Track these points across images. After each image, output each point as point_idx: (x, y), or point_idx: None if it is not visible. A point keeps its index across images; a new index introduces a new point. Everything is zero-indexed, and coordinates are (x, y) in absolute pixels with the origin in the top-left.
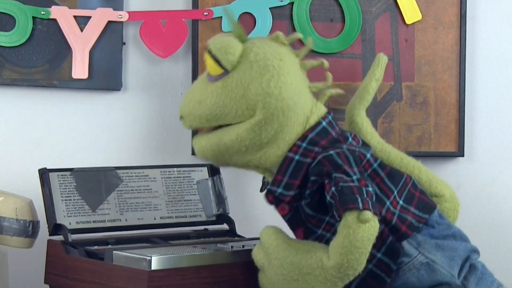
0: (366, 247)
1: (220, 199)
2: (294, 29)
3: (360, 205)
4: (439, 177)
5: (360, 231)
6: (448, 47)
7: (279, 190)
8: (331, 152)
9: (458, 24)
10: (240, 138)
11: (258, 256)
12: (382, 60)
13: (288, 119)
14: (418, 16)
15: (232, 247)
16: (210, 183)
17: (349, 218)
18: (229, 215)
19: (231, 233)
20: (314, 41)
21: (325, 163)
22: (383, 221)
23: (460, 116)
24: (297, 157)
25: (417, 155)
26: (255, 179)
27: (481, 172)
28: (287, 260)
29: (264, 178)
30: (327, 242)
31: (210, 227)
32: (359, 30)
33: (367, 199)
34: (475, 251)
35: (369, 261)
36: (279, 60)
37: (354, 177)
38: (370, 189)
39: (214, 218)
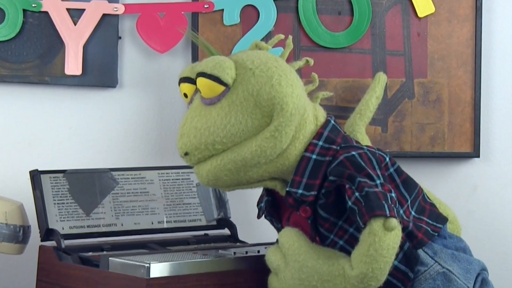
0: (391, 256)
1: (221, 203)
2: (300, 23)
3: (387, 212)
4: (443, 201)
5: (386, 239)
6: (463, 41)
7: (300, 191)
8: (353, 152)
9: (474, 17)
10: (261, 149)
11: (274, 257)
12: (381, 78)
13: (302, 117)
14: (431, 9)
15: (234, 253)
16: None
17: (375, 225)
18: (231, 219)
19: (233, 238)
20: (321, 35)
21: (347, 164)
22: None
23: (476, 114)
24: (314, 156)
25: (430, 156)
26: None
27: (498, 173)
28: (308, 264)
29: (259, 204)
30: (340, 250)
31: (211, 232)
32: (368, 24)
33: (392, 205)
34: (485, 269)
35: None
36: (276, 61)
37: (378, 182)
38: (393, 195)
39: (214, 223)
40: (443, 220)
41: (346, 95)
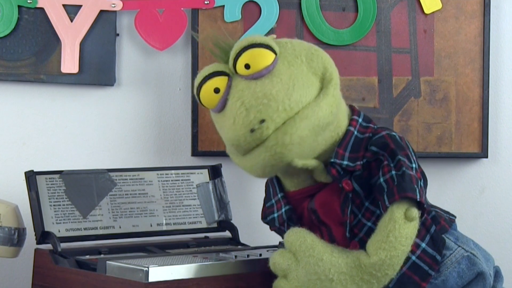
0: (408, 246)
1: (222, 204)
2: (303, 19)
3: (418, 196)
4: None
5: (406, 227)
6: (470, 38)
7: (345, 162)
8: (394, 133)
9: (482, 13)
10: (329, 108)
11: (282, 259)
12: None
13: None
14: (438, 5)
15: (235, 256)
16: (211, 186)
17: (397, 213)
18: (232, 221)
19: (234, 241)
20: (324, 32)
21: (389, 141)
22: (424, 211)
23: (484, 113)
24: (356, 132)
25: (437, 156)
26: (259, 183)
27: (507, 174)
28: (323, 258)
29: (267, 217)
30: (368, 232)
31: (211, 235)
32: (373, 20)
33: (422, 192)
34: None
35: (412, 252)
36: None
37: (414, 165)
38: (422, 184)
39: (215, 225)
40: (452, 214)
41: (351, 93)
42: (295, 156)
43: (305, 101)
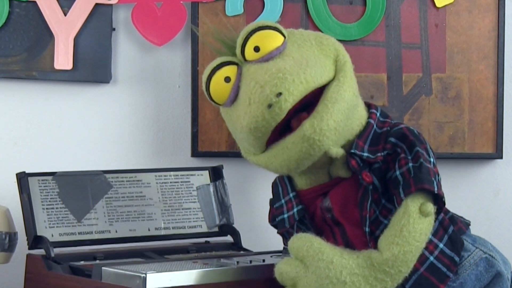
0: (423, 242)
1: (224, 208)
2: (308, 13)
3: (435, 188)
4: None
5: (421, 222)
6: (484, 33)
7: (365, 154)
8: (412, 128)
9: (496, 7)
10: (352, 90)
11: (289, 267)
12: None
13: None
14: None
15: (237, 262)
16: (212, 189)
17: (411, 207)
18: (234, 225)
19: (236, 246)
20: (331, 26)
21: (408, 133)
22: (442, 205)
23: (498, 112)
24: (375, 126)
25: (449, 157)
26: (262, 185)
27: None
28: (333, 260)
29: (275, 219)
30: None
31: (212, 240)
32: (382, 14)
33: (440, 186)
34: None
35: (430, 252)
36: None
37: (432, 160)
38: (439, 179)
39: (216, 229)
40: (467, 220)
41: (359, 91)
42: (331, 144)
43: (320, 79)
